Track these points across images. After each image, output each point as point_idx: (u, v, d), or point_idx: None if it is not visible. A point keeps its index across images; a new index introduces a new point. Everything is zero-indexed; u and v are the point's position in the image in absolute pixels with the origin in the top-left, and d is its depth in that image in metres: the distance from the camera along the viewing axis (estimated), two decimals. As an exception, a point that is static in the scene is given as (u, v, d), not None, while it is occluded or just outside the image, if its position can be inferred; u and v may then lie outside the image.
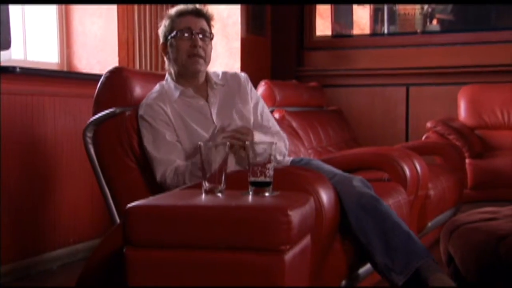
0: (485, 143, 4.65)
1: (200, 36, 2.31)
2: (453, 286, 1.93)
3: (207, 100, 2.35)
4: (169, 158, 2.21)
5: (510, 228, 1.97)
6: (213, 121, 2.32)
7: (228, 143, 1.79)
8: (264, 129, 2.39)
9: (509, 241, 1.88)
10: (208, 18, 2.38)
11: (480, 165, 4.30)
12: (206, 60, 2.34)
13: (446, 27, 5.05)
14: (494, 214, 2.20)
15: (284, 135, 2.48)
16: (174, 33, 2.32)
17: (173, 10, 2.37)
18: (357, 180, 2.14)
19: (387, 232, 2.03)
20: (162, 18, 2.43)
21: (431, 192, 3.14)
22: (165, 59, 2.42)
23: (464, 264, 2.00)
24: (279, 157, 2.37)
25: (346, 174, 2.20)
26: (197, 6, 2.37)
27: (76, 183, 3.29)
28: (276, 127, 2.48)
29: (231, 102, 2.38)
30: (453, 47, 4.95)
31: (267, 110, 2.49)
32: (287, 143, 2.47)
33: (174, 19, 2.35)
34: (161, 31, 2.39)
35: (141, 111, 2.27)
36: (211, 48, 2.38)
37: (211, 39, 2.37)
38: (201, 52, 2.30)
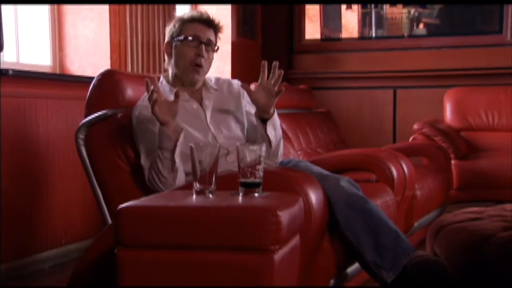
0: (470, 144, 4.69)
1: (206, 47, 2.33)
2: (433, 258, 1.96)
3: (201, 103, 2.36)
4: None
5: (495, 228, 2.00)
6: (208, 124, 2.33)
7: (218, 145, 1.82)
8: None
9: (494, 240, 1.91)
10: (217, 30, 2.39)
11: (466, 166, 4.34)
12: (205, 70, 2.36)
13: (432, 31, 5.10)
14: (479, 214, 2.24)
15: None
16: (182, 37, 2.33)
17: (186, 14, 2.39)
18: (345, 181, 2.16)
19: (375, 230, 2.05)
20: (170, 19, 2.44)
21: (418, 193, 3.16)
22: (165, 57, 2.42)
23: (450, 263, 2.01)
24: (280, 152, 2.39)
25: (334, 175, 2.22)
26: (210, 16, 2.39)
27: (69, 184, 3.29)
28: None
29: (225, 107, 2.40)
30: (439, 50, 5.01)
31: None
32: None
33: (185, 22, 2.35)
34: (169, 30, 2.39)
35: (136, 112, 2.27)
36: (212, 59, 2.40)
37: (215, 50, 2.39)
38: (203, 63, 2.32)
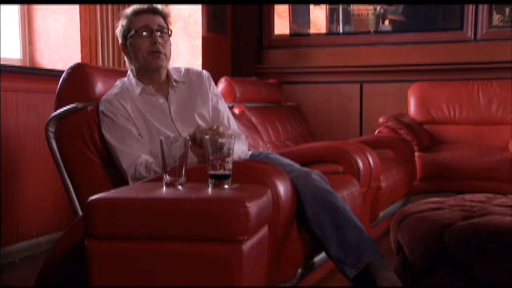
0: (433, 137, 4.76)
1: (159, 33, 2.32)
2: (400, 286, 2.00)
3: (167, 98, 2.36)
4: (134, 151, 2.22)
5: (454, 217, 2.03)
6: (172, 119, 2.33)
7: (188, 137, 1.84)
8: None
9: (453, 229, 1.95)
10: (164, 15, 2.38)
11: (428, 158, 4.40)
12: (167, 55, 2.35)
13: (397, 28, 5.17)
14: (440, 204, 2.26)
15: (244, 137, 2.48)
16: (133, 32, 2.32)
17: (129, 10, 2.37)
18: (315, 174, 2.19)
19: (341, 226, 2.08)
20: (119, 18, 2.41)
21: (383, 184, 3.23)
22: (125, 58, 2.41)
23: (412, 252, 2.07)
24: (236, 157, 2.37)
25: (304, 169, 2.23)
26: (153, 4, 2.38)
27: (39, 177, 3.27)
28: (235, 128, 2.47)
29: (192, 101, 2.39)
30: (404, 46, 5.08)
31: (228, 111, 2.49)
32: (247, 144, 2.47)
33: (131, 18, 2.34)
34: (118, 31, 2.39)
35: (101, 107, 2.28)
36: (170, 44, 2.38)
37: (170, 35, 2.38)
38: (161, 49, 2.31)
